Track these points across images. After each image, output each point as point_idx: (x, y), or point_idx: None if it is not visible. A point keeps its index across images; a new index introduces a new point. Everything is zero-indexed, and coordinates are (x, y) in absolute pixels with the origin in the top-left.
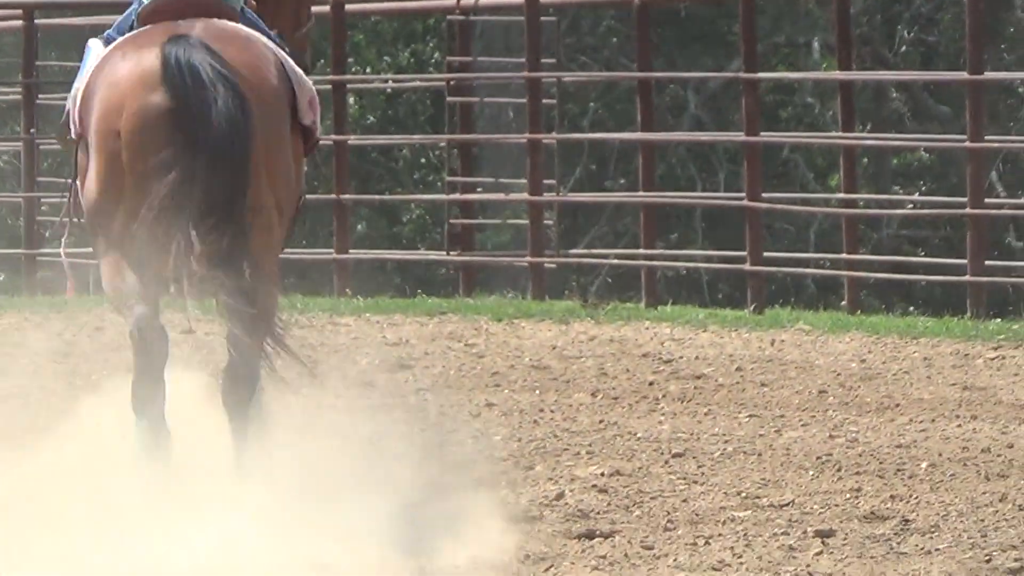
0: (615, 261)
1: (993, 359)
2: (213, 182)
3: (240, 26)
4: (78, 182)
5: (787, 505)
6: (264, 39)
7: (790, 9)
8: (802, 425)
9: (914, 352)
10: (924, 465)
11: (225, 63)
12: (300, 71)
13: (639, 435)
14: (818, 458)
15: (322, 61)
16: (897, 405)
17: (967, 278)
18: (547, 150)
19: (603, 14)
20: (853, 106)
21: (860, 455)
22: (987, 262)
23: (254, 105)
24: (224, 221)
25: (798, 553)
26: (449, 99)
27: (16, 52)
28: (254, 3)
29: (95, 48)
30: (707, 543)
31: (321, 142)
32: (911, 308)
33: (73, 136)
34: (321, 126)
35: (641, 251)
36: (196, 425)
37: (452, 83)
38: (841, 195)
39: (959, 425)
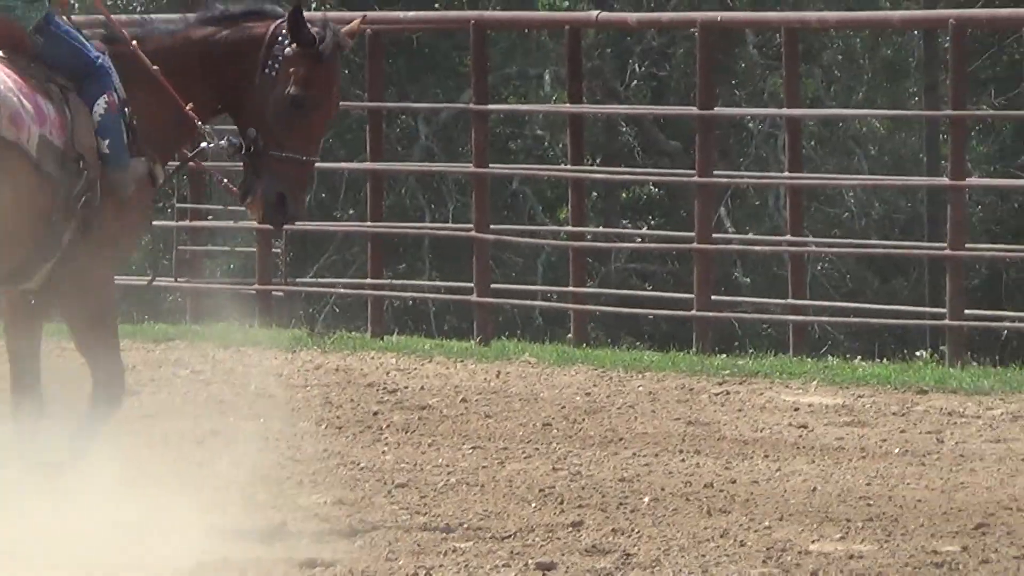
0: (342, 290)
1: (718, 394)
2: None
3: None
4: None
5: (509, 537)
6: None
7: (522, 41)
8: (525, 457)
9: (639, 386)
10: (647, 499)
11: None
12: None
13: (363, 465)
14: (541, 491)
15: None
16: (621, 439)
17: (693, 313)
18: None
19: None
20: (583, 139)
21: (583, 488)
22: (714, 297)
23: None
24: None
25: None
26: None
27: None
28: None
29: None
30: (429, 574)
31: None
32: (637, 342)
33: None
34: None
35: (368, 280)
36: None
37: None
38: (569, 228)
39: (683, 460)
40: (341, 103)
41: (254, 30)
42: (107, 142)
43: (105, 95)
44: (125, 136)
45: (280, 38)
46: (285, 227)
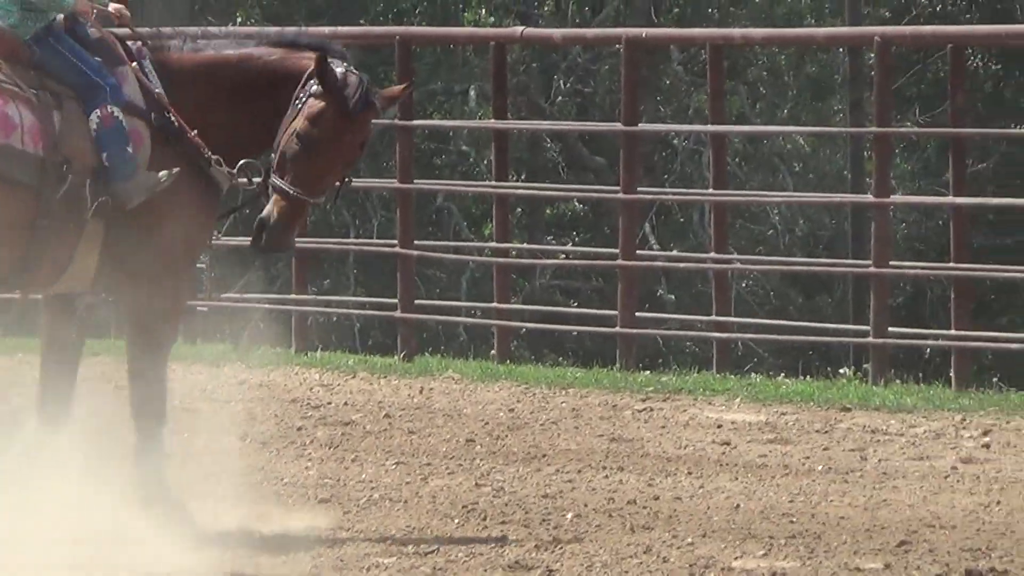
0: (267, 306)
1: (641, 411)
2: None
3: None
4: None
5: (432, 553)
6: None
7: (447, 57)
8: (449, 473)
9: (563, 402)
10: (570, 516)
11: None
12: None
13: (286, 480)
14: (464, 507)
15: None
16: (544, 455)
17: (617, 329)
18: None
19: None
20: (507, 155)
21: (506, 504)
22: (638, 314)
23: None
24: None
25: None
26: None
27: None
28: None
29: None
30: None
31: None
32: (561, 359)
33: None
34: None
35: (292, 296)
36: None
37: None
38: (494, 244)
39: (606, 476)
40: None
41: (301, 61)
42: (105, 155)
43: (98, 109)
44: (127, 147)
45: (307, 81)
46: (267, 253)
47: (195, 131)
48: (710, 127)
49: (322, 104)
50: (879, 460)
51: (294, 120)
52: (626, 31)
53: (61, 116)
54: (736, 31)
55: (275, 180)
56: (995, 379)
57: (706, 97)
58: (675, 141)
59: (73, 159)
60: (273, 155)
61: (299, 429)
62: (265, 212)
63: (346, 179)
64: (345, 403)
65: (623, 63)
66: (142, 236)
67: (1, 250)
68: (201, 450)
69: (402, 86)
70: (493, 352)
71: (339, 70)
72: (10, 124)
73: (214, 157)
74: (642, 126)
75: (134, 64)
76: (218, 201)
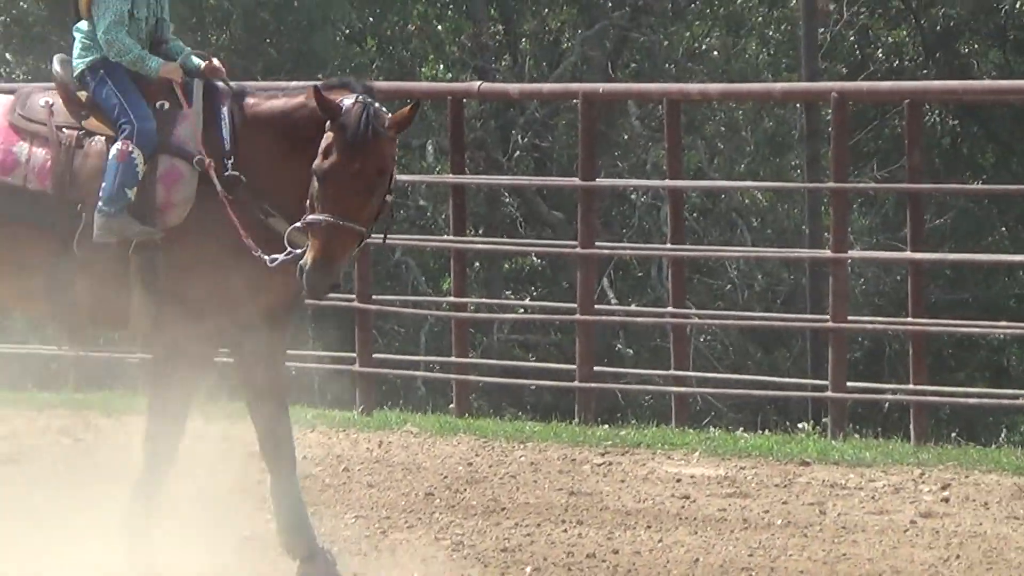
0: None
1: (600, 465)
2: None
3: None
4: None
5: None
6: None
7: None
8: (408, 527)
9: (521, 456)
10: (529, 570)
11: None
12: None
13: (246, 533)
14: (423, 560)
15: None
16: (503, 509)
17: (576, 383)
18: None
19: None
20: (465, 209)
21: (465, 558)
22: (596, 368)
23: None
24: None
25: None
26: None
27: None
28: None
29: None
30: None
31: None
32: (520, 412)
33: None
34: None
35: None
36: None
37: None
38: (452, 298)
39: (565, 530)
40: None
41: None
42: (103, 184)
43: (118, 143)
44: (127, 188)
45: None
46: (314, 296)
47: (256, 179)
48: (668, 182)
49: (329, 136)
50: (838, 514)
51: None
52: (583, 86)
53: (84, 154)
54: (693, 86)
55: (306, 218)
56: (953, 433)
57: (663, 152)
58: (633, 196)
59: (87, 198)
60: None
61: (258, 482)
62: (301, 260)
63: (386, 210)
64: (304, 457)
65: (580, 118)
66: (181, 276)
67: (16, 285)
68: (160, 502)
69: (408, 107)
70: (452, 406)
71: (347, 102)
72: (13, 162)
73: (267, 208)
74: (600, 181)
75: (194, 107)
76: (279, 248)
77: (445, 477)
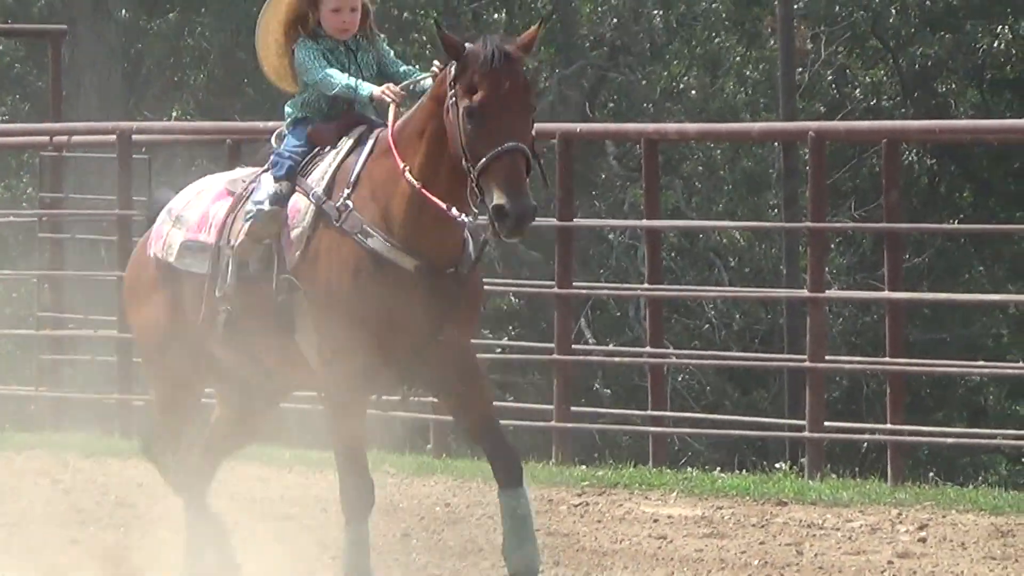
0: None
1: (577, 505)
2: None
3: None
4: None
5: None
6: None
7: None
8: (386, 568)
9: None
10: None
11: None
12: None
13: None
14: None
15: None
16: (481, 549)
17: (553, 423)
18: None
19: (197, 152)
20: None
21: None
22: (573, 408)
23: None
24: None
25: None
26: (40, 235)
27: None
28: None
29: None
30: None
31: None
32: None
33: None
34: None
35: None
36: None
37: (44, 218)
38: None
39: (542, 571)
40: None
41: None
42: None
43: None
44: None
45: (449, 75)
46: (523, 229)
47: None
48: (645, 222)
49: (463, 77)
50: (815, 554)
51: (459, 112)
52: (561, 126)
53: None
54: (671, 126)
55: (468, 167)
56: (931, 473)
57: (641, 191)
58: (610, 236)
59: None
60: (464, 159)
61: (236, 523)
62: (495, 203)
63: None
64: (282, 497)
65: (557, 157)
66: (315, 314)
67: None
68: (137, 545)
69: (534, 27)
70: (429, 446)
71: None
72: (206, 222)
73: (392, 242)
74: (577, 221)
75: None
76: (408, 285)
77: (422, 518)
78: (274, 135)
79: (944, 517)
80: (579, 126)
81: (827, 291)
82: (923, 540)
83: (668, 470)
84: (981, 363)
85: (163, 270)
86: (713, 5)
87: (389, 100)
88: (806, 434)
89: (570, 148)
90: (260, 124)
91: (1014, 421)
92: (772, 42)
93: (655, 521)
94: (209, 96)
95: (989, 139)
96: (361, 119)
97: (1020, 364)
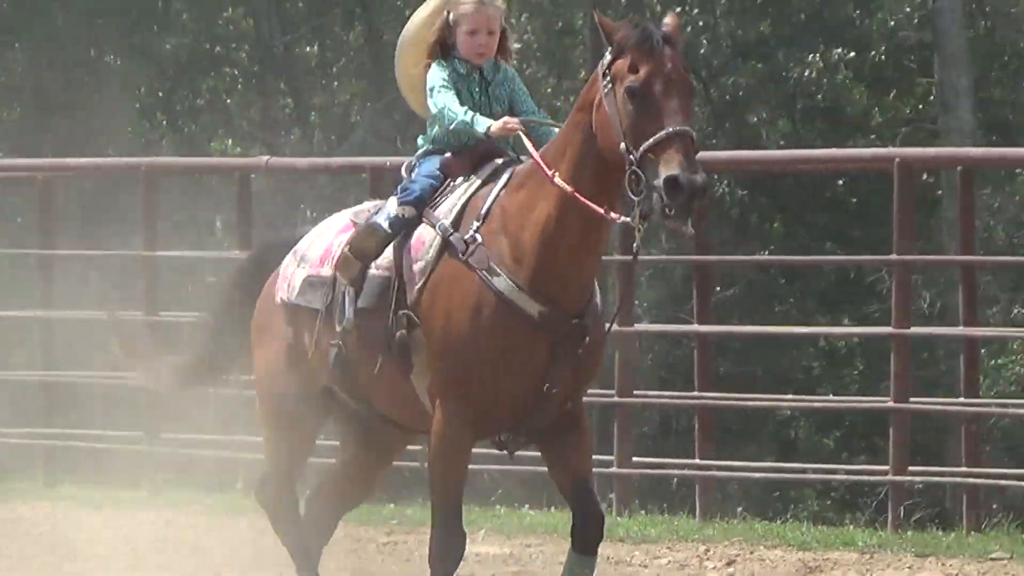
0: (15, 441)
1: (386, 544)
2: None
3: None
4: None
5: None
6: None
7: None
8: None
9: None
10: None
11: None
12: None
13: None
14: None
15: None
16: None
17: None
18: None
19: (9, 190)
20: None
21: None
22: None
23: None
24: None
25: None
26: None
27: None
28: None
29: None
30: None
31: None
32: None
33: None
34: None
35: (41, 430)
36: None
37: None
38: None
39: None
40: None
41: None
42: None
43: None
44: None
45: (602, 67)
46: (692, 207)
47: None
48: None
49: (625, 52)
50: None
51: (616, 96)
52: (371, 160)
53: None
54: None
55: (641, 151)
56: (740, 508)
57: None
58: None
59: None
60: (624, 144)
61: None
62: (669, 174)
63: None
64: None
65: (369, 192)
66: (430, 349)
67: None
68: None
69: (672, 15)
70: (239, 485)
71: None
72: (328, 255)
73: (518, 283)
74: None
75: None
76: (530, 331)
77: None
78: (403, 166)
79: (752, 553)
80: (389, 160)
81: (636, 325)
82: None
83: (477, 507)
84: (789, 396)
85: (285, 311)
86: (525, 36)
87: (510, 131)
88: (614, 470)
89: (381, 183)
90: (70, 161)
91: (823, 455)
92: (583, 73)
93: (463, 560)
94: (21, 131)
95: (799, 169)
96: (498, 151)
97: (830, 397)
